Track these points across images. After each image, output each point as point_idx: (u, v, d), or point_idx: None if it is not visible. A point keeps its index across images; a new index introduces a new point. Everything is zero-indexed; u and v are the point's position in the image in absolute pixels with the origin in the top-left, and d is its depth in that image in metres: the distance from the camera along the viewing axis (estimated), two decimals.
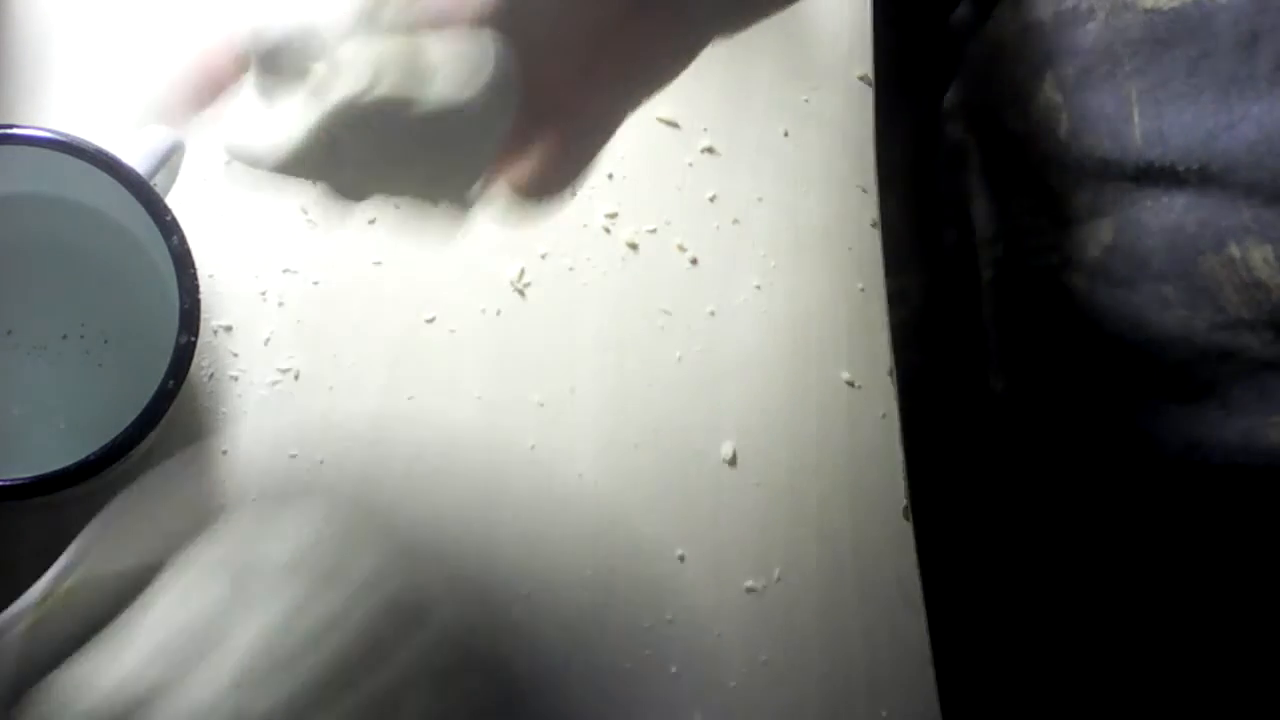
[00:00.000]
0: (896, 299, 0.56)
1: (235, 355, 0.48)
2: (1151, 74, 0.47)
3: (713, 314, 0.53)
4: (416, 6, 0.30)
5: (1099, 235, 0.51)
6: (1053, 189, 0.54)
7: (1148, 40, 0.47)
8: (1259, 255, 0.43)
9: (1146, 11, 0.47)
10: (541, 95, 0.32)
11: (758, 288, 0.54)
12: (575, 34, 0.31)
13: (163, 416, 0.38)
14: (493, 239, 0.52)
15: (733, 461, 0.52)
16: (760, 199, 0.55)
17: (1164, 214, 0.47)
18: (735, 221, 0.55)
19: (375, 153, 0.32)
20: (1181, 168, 0.45)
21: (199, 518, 0.47)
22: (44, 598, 0.40)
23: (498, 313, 0.51)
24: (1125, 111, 0.48)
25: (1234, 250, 0.44)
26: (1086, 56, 0.50)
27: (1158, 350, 0.49)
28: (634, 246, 0.54)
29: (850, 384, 0.54)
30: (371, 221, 0.51)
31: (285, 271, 0.49)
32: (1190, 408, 0.50)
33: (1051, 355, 0.57)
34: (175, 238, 0.40)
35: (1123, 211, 0.49)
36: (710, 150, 0.55)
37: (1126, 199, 0.49)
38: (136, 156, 0.41)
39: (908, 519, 0.53)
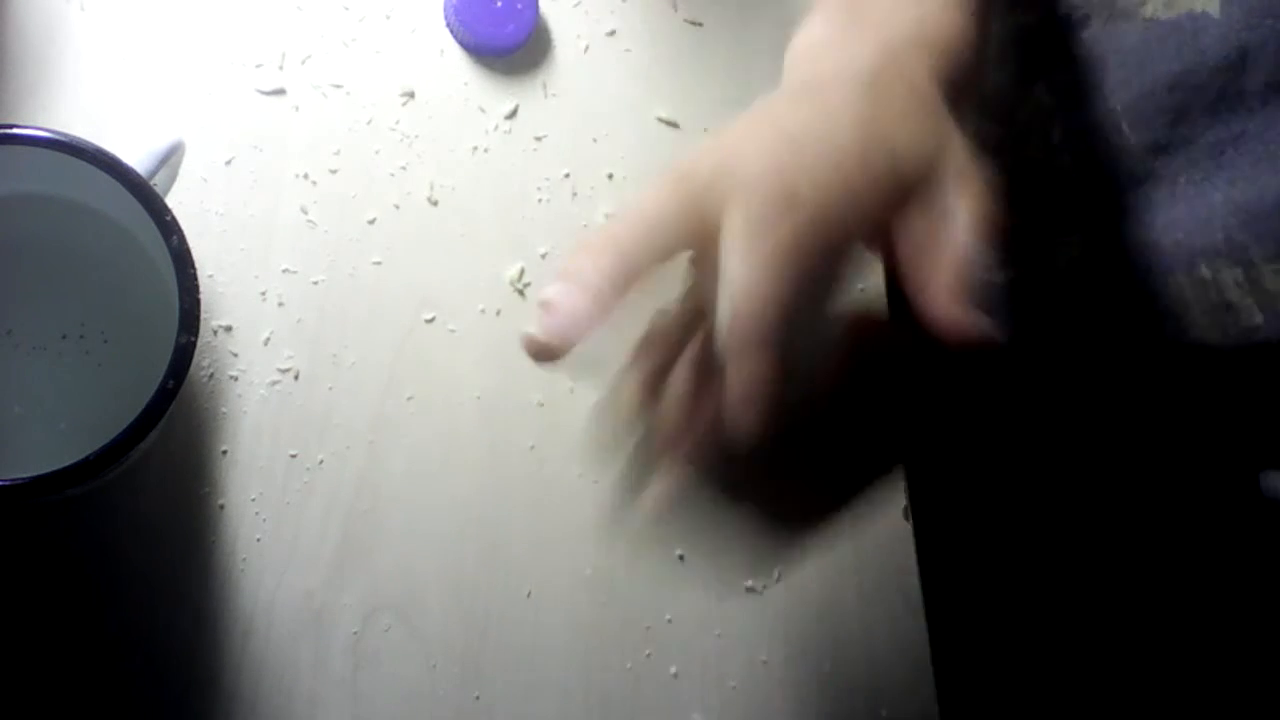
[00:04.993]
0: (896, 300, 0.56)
1: (235, 355, 0.48)
2: (1135, 86, 0.46)
3: None
4: None
5: (1066, 249, 0.51)
6: (1025, 199, 0.54)
7: (1138, 50, 0.46)
8: (1230, 277, 0.42)
9: (1145, 21, 0.46)
10: None
11: None
12: None
13: (163, 416, 0.38)
14: (493, 239, 0.52)
15: None
16: None
17: (1141, 231, 0.46)
18: None
19: None
20: (1182, 178, 0.45)
21: (199, 518, 0.47)
22: None
23: (498, 312, 0.51)
24: (1114, 122, 0.47)
25: (1205, 271, 0.43)
26: (1080, 64, 0.49)
27: (1126, 370, 0.49)
28: None
29: None
30: (371, 221, 0.51)
31: (285, 271, 0.49)
32: (1160, 425, 0.49)
33: (1034, 363, 0.57)
34: (175, 238, 0.40)
35: (1095, 228, 0.49)
36: None
37: (1104, 213, 0.48)
38: (136, 156, 0.41)
39: (907, 519, 0.53)
